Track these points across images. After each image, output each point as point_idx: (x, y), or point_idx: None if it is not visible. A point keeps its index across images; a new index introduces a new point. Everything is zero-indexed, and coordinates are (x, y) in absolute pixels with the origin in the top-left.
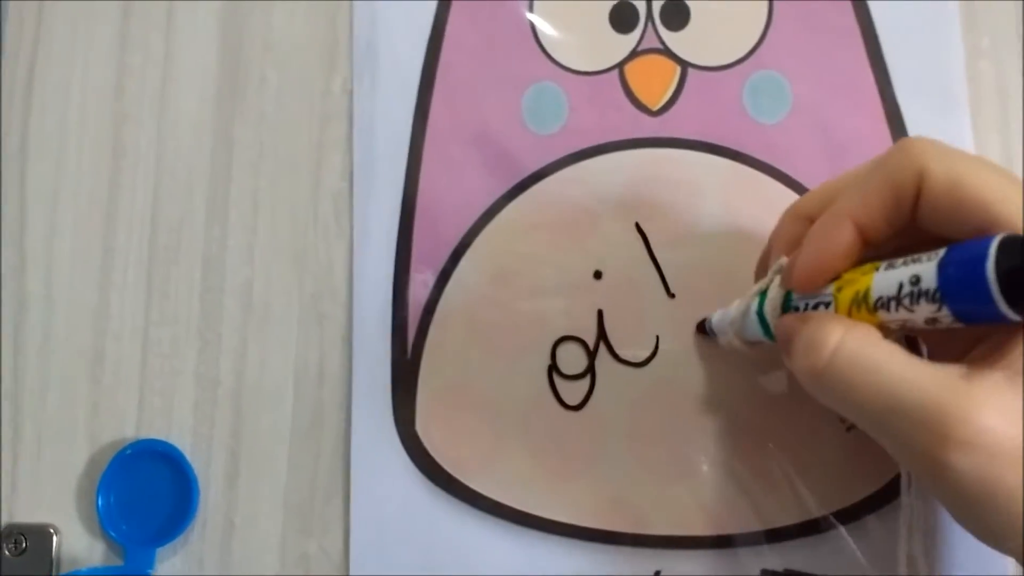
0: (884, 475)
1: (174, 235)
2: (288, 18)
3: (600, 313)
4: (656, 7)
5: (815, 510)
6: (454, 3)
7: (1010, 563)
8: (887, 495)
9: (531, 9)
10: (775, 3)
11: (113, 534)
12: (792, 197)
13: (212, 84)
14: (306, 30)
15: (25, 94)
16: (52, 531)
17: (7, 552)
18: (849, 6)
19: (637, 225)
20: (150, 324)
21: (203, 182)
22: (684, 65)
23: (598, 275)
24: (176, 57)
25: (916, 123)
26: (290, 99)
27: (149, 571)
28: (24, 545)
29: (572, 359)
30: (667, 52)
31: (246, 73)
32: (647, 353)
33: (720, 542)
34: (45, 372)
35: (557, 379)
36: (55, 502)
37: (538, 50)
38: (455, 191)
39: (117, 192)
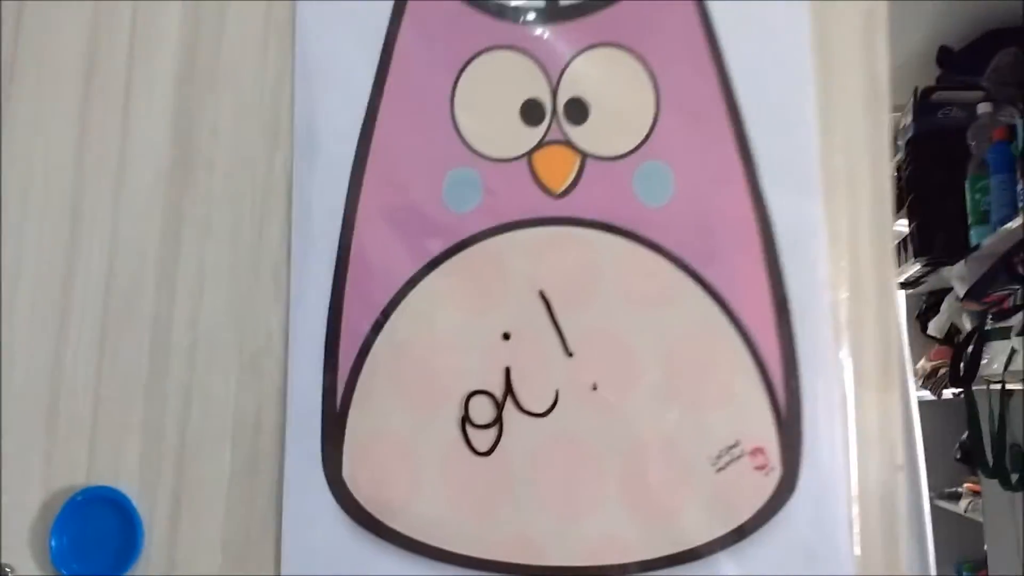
0: (742, 514)
1: (125, 299)
2: (235, 102)
3: (507, 370)
4: (560, 104)
5: (683, 544)
6: (386, 94)
7: None
8: (744, 531)
9: (452, 103)
10: (661, 105)
11: (65, 573)
12: (674, 272)
13: (164, 163)
14: (251, 114)
15: None
16: (8, 570)
17: None
18: (724, 109)
19: (541, 293)
20: (101, 380)
21: (153, 251)
22: (583, 155)
23: (507, 336)
24: (132, 138)
25: (778, 207)
26: (235, 177)
27: None
28: None
29: (482, 410)
30: (569, 143)
31: (196, 153)
32: (548, 405)
33: (606, 570)
34: (6, 427)
35: (469, 428)
36: (10, 543)
37: (458, 139)
38: (383, 262)
39: (74, 259)
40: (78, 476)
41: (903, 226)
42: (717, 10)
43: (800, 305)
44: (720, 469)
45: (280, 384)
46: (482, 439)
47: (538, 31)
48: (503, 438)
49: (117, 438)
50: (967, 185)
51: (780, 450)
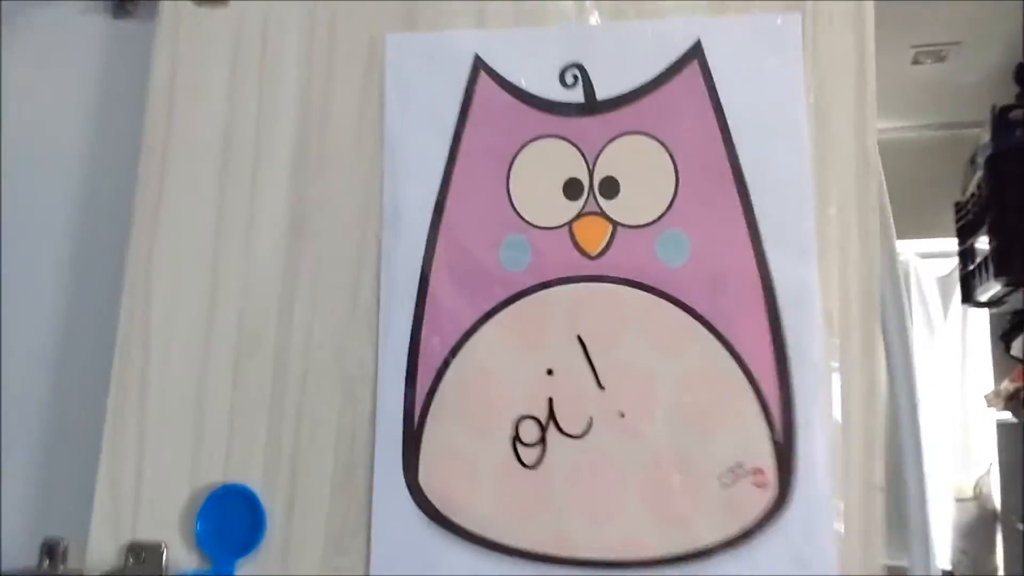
0: (741, 522)
1: (253, 337)
2: (337, 184)
3: (551, 400)
4: (596, 182)
5: (693, 545)
6: (455, 177)
7: None
8: (744, 537)
9: (508, 182)
10: (680, 183)
11: (206, 549)
12: (689, 321)
13: (282, 230)
14: (350, 192)
15: (149, 242)
16: (163, 546)
17: (131, 561)
18: (733, 185)
19: (579, 337)
20: (235, 400)
21: (274, 299)
22: (615, 224)
23: (550, 372)
24: (257, 210)
25: (779, 269)
26: (337, 242)
27: (232, 573)
28: (143, 556)
29: (529, 432)
30: (603, 215)
31: (307, 223)
32: (583, 428)
33: (629, 565)
34: (162, 435)
35: (519, 446)
36: (165, 527)
37: (512, 211)
38: (452, 311)
39: (214, 305)
40: (217, 475)
41: (984, 244)
42: (728, 100)
43: (797, 351)
44: (726, 485)
45: (371, 406)
46: (529, 455)
47: (578, 122)
48: (546, 455)
49: (247, 446)
50: None
51: (777, 471)
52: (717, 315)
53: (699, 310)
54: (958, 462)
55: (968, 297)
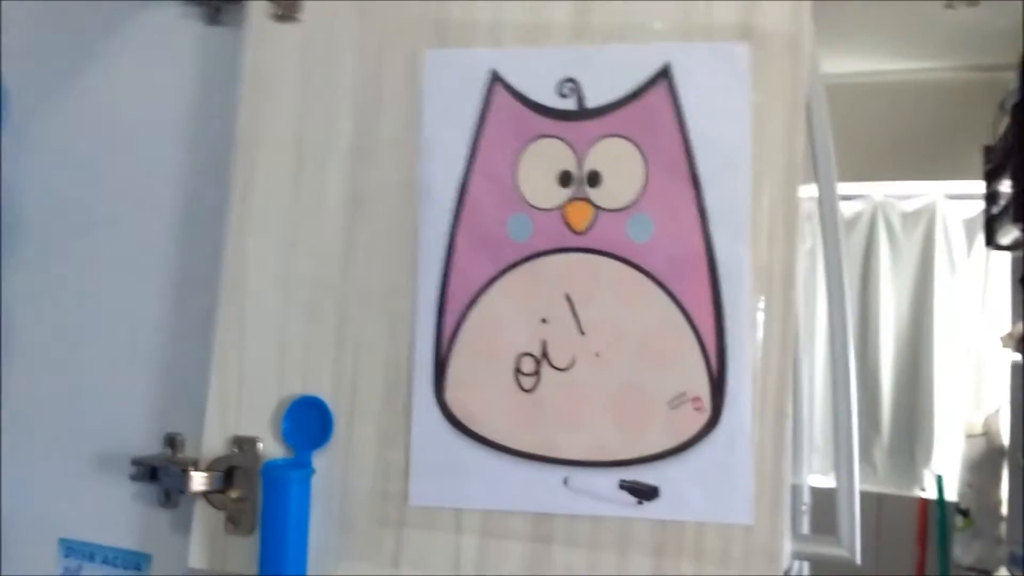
0: (682, 436)
1: (322, 288)
2: (385, 170)
3: (544, 341)
4: (584, 174)
5: (647, 452)
6: (475, 167)
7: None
8: (684, 447)
9: (515, 172)
10: (648, 177)
11: (290, 442)
12: (651, 285)
13: (343, 204)
14: (393, 177)
15: (242, 216)
16: (258, 440)
17: (235, 450)
18: (689, 180)
19: (566, 295)
20: (309, 335)
21: (337, 260)
22: (597, 208)
23: (544, 320)
24: (324, 188)
25: (721, 248)
26: (385, 215)
27: (310, 461)
28: (243, 447)
29: (528, 365)
30: (588, 200)
31: (362, 200)
32: (568, 363)
33: (598, 464)
34: (256, 357)
35: (519, 375)
36: (259, 427)
37: (518, 195)
38: (470, 272)
39: (292, 262)
40: (297, 388)
41: (1008, 188)
42: (689, 112)
43: (731, 309)
44: (673, 408)
45: (410, 341)
46: (527, 382)
47: (571, 126)
48: (540, 382)
49: (319, 368)
50: None
51: (711, 399)
52: (672, 281)
53: (658, 277)
54: (971, 400)
55: (991, 240)
